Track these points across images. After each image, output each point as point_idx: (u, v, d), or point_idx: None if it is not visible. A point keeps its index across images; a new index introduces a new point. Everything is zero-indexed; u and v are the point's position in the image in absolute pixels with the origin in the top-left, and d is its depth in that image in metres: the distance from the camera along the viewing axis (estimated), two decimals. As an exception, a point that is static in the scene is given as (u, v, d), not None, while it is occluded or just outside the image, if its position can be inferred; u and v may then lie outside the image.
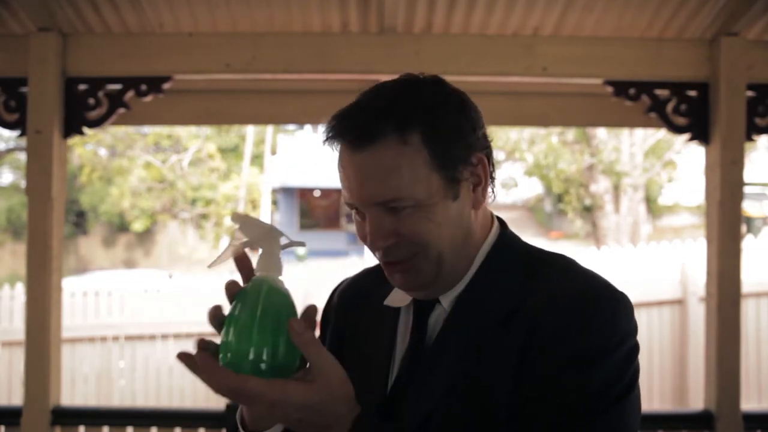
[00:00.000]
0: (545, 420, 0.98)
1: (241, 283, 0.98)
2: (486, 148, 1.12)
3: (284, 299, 0.95)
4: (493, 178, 1.13)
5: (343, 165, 1.07)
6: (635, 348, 1.06)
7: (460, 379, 1.03)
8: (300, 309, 0.96)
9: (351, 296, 1.28)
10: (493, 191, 1.15)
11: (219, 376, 0.89)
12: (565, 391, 0.98)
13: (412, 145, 1.04)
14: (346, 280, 1.33)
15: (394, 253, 1.07)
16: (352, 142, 1.04)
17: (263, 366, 0.90)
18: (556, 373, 0.99)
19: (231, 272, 1.04)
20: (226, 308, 0.97)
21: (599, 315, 1.02)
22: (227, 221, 21.07)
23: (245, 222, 0.97)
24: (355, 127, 1.04)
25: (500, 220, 1.18)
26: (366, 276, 1.30)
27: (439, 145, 1.05)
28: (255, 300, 0.93)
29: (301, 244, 1.01)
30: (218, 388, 0.90)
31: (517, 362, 1.01)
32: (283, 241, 0.98)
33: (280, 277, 0.97)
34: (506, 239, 1.15)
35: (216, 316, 0.96)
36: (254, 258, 0.99)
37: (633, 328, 1.06)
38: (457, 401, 1.03)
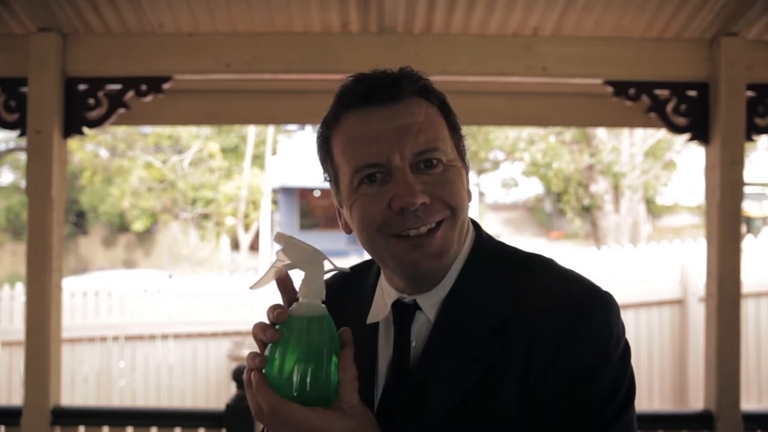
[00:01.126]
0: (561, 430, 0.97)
1: (281, 302, 0.99)
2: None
3: (329, 330, 0.96)
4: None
5: (366, 125, 1.04)
6: (628, 347, 1.06)
7: (460, 393, 1.01)
8: None
9: (330, 306, 1.24)
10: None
11: (267, 396, 0.93)
12: (576, 403, 0.98)
13: (435, 108, 1.08)
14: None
15: (427, 214, 1.02)
16: (378, 97, 1.04)
17: (306, 395, 0.93)
18: (565, 385, 0.98)
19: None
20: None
21: (594, 320, 1.01)
22: (228, 221, 21.09)
23: (288, 243, 0.96)
24: (382, 84, 1.05)
25: (474, 221, 1.17)
26: (340, 284, 1.22)
27: (450, 119, 1.10)
28: (302, 329, 0.93)
29: (345, 269, 1.01)
30: (259, 408, 0.94)
31: (520, 376, 1.00)
32: (327, 265, 0.97)
33: (322, 303, 0.97)
34: (482, 241, 1.14)
35: (254, 360, 0.96)
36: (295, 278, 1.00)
37: (623, 327, 1.05)
38: (464, 414, 1.01)
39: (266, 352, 0.95)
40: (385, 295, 1.14)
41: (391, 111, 1.04)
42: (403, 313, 1.10)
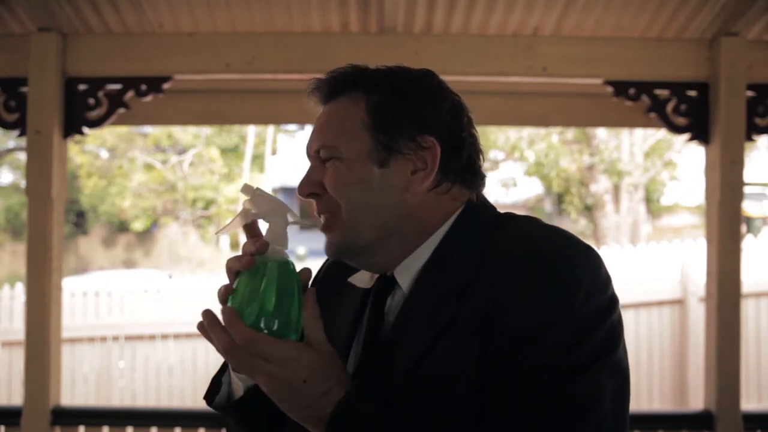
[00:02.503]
0: (507, 396, 0.94)
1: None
2: (449, 138, 1.08)
3: (295, 274, 1.01)
4: (456, 176, 1.09)
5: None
6: (608, 305, 0.97)
7: (420, 357, 1.00)
8: None
9: (332, 272, 1.26)
10: (469, 184, 1.11)
11: (237, 328, 0.95)
12: (525, 367, 0.93)
13: (356, 102, 1.09)
14: (329, 259, 1.30)
15: (319, 204, 1.11)
16: (319, 98, 1.14)
17: (272, 329, 0.97)
18: (512, 349, 0.94)
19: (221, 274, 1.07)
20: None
21: (555, 274, 0.95)
22: (228, 222, 21.05)
23: (255, 195, 1.01)
24: (322, 85, 1.13)
25: (470, 200, 1.12)
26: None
27: (381, 108, 1.08)
28: (263, 271, 0.98)
29: (308, 223, 1.08)
30: (230, 342, 0.96)
31: (480, 334, 0.96)
32: (291, 218, 1.02)
33: (286, 251, 1.02)
34: (471, 213, 1.10)
35: (227, 293, 1.02)
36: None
37: (601, 283, 0.98)
38: (418, 381, 0.99)
39: (235, 286, 1.00)
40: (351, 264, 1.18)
41: (321, 112, 1.14)
42: (382, 286, 1.13)
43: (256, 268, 0.99)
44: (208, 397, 1.19)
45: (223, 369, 1.19)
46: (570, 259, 0.98)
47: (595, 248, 1.02)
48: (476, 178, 1.12)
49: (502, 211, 1.14)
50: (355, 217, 1.08)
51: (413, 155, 1.07)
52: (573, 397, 0.92)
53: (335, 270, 1.25)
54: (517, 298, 0.95)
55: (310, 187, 1.11)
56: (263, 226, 1.03)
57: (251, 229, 1.04)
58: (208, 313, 1.00)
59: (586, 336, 0.94)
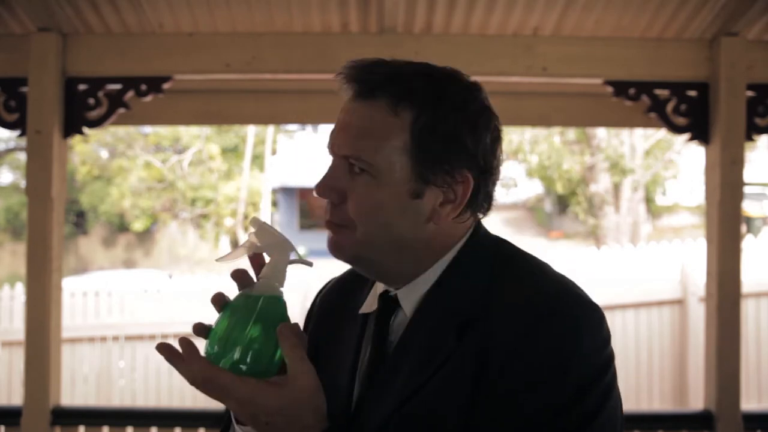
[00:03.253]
0: None
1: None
2: (487, 174, 1.05)
3: (280, 311, 0.98)
4: (477, 206, 1.06)
5: (342, 109, 1.06)
6: (606, 361, 0.97)
7: (414, 388, 0.98)
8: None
9: (330, 302, 1.24)
10: (479, 212, 1.08)
11: (196, 365, 0.92)
12: (520, 413, 0.92)
13: (399, 119, 1.01)
14: (330, 282, 1.29)
15: (332, 212, 1.05)
16: (354, 90, 1.04)
17: (243, 367, 0.94)
18: (510, 394, 0.93)
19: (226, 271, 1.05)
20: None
21: (559, 327, 0.94)
22: (227, 221, 21.08)
23: (262, 228, 1.00)
24: (360, 78, 1.03)
25: (478, 223, 1.11)
26: (349, 279, 1.24)
27: (426, 136, 1.00)
28: (254, 304, 0.96)
29: (309, 263, 1.03)
30: (193, 377, 0.92)
31: (473, 376, 0.95)
32: (293, 256, 1.01)
33: (281, 289, 1.00)
34: (477, 242, 1.08)
35: (219, 301, 0.99)
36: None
37: (602, 340, 0.98)
38: (408, 413, 0.98)
39: (213, 323, 0.98)
40: (376, 289, 1.13)
41: (353, 107, 1.04)
42: (386, 307, 1.09)
43: (245, 302, 0.97)
44: None
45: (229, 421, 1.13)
46: (571, 314, 0.97)
47: (599, 306, 1.00)
48: (490, 204, 1.09)
49: (497, 220, 1.13)
50: (372, 239, 1.03)
51: (446, 188, 1.02)
52: None
53: (334, 298, 1.23)
54: (519, 347, 0.94)
55: (331, 193, 1.03)
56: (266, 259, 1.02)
57: (255, 260, 1.03)
58: (165, 348, 0.95)
59: (581, 395, 0.93)
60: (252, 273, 1.03)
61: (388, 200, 1.01)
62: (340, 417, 1.05)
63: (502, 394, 0.93)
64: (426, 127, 1.00)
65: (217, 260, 1.07)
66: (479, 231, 1.09)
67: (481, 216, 1.10)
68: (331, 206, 1.04)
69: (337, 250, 1.06)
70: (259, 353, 0.95)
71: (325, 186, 1.04)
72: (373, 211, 1.01)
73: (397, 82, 1.02)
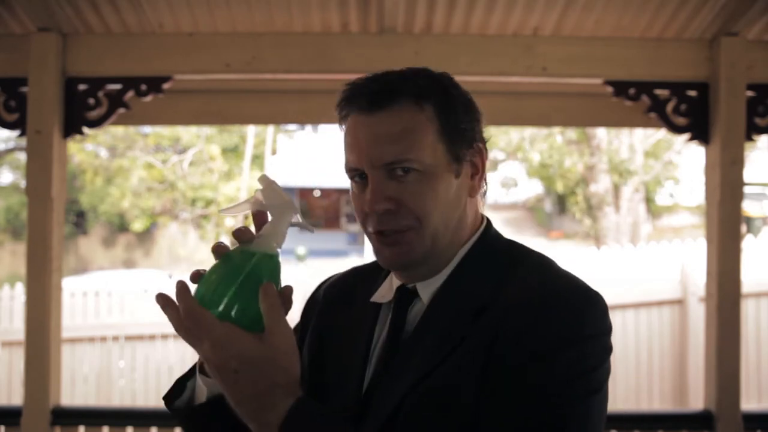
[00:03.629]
0: (506, 414, 0.97)
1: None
2: (484, 142, 1.17)
3: (272, 270, 0.99)
4: (485, 175, 1.17)
5: (354, 128, 1.10)
6: (607, 349, 1.04)
7: (429, 368, 1.03)
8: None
9: (336, 295, 1.28)
10: (486, 187, 1.19)
11: (184, 302, 0.93)
12: (526, 384, 0.98)
13: (425, 113, 1.09)
14: (332, 277, 1.33)
15: (390, 221, 1.08)
16: (371, 102, 1.08)
17: (229, 317, 0.94)
18: (517, 365, 0.98)
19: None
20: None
21: (567, 310, 1.01)
22: (228, 222, 21.07)
23: (269, 187, 1.00)
24: (372, 91, 1.09)
25: (487, 219, 1.20)
26: (353, 275, 1.30)
27: (450, 119, 1.10)
28: (247, 259, 0.97)
29: (311, 229, 1.06)
30: (178, 316, 0.94)
31: (484, 358, 1.00)
32: (295, 219, 1.01)
33: (278, 249, 1.00)
34: (489, 237, 1.17)
35: (218, 252, 0.99)
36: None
37: (605, 328, 1.04)
38: (421, 395, 1.02)
39: (206, 273, 0.99)
40: (393, 281, 1.18)
41: (374, 119, 1.08)
42: (404, 298, 1.15)
43: (239, 256, 0.98)
44: (168, 397, 1.15)
45: (191, 373, 1.15)
46: (577, 303, 1.03)
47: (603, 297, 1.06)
48: (486, 181, 1.19)
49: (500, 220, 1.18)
50: (438, 229, 1.09)
51: (470, 161, 1.13)
52: (564, 418, 0.97)
53: (339, 291, 1.27)
54: (527, 324, 1.00)
55: (387, 202, 1.08)
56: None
57: (257, 218, 1.04)
58: (163, 296, 0.97)
59: (583, 372, 1.00)
60: (253, 229, 1.04)
61: (443, 187, 1.09)
62: (352, 400, 1.10)
63: (510, 365, 0.98)
64: (447, 111, 1.10)
65: (220, 211, 1.09)
66: (491, 229, 1.19)
67: (484, 191, 1.19)
68: (388, 216, 1.08)
69: (403, 255, 1.10)
70: (245, 308, 0.95)
71: (379, 198, 1.07)
72: (435, 202, 1.08)
73: (409, 83, 1.10)
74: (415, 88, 1.09)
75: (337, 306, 1.25)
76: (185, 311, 0.93)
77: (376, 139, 1.07)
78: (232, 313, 0.94)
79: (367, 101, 1.08)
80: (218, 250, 0.99)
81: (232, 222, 21.23)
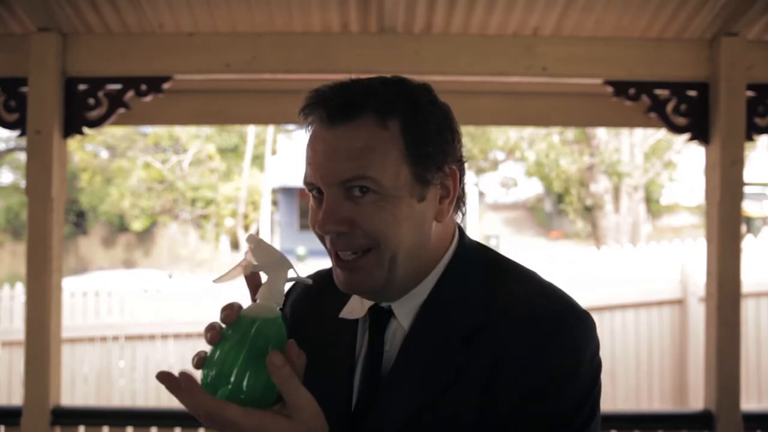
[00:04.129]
0: None
1: (243, 304, 0.97)
2: (461, 163, 1.09)
3: (276, 333, 0.94)
4: (462, 196, 1.10)
5: (314, 141, 1.03)
6: (598, 368, 1.04)
7: (425, 400, 1.01)
8: None
9: (303, 307, 1.23)
10: (461, 209, 1.12)
11: (199, 399, 0.88)
12: (531, 419, 0.97)
13: (389, 131, 1.01)
14: (290, 295, 1.28)
15: (344, 242, 1.03)
16: (330, 115, 1.01)
17: (242, 396, 0.90)
18: (521, 401, 0.97)
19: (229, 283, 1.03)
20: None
21: (564, 339, 0.99)
22: (227, 222, 21.06)
23: (258, 246, 0.96)
24: (335, 101, 1.01)
25: (460, 228, 1.14)
26: (318, 282, 1.19)
27: (417, 140, 1.02)
28: (248, 328, 0.92)
29: (308, 281, 1.00)
30: (196, 411, 0.89)
31: (484, 385, 0.98)
32: (291, 274, 0.97)
33: (278, 308, 0.96)
34: (464, 249, 1.11)
35: (212, 331, 0.93)
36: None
37: (595, 348, 1.03)
38: (422, 425, 1.00)
39: (208, 353, 0.94)
40: (363, 298, 1.12)
41: (334, 133, 1.01)
42: (378, 318, 1.10)
43: (236, 324, 0.93)
44: None
45: None
46: (573, 327, 1.01)
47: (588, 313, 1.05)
48: (465, 196, 1.13)
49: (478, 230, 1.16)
50: (396, 254, 1.03)
51: (439, 184, 1.06)
52: None
53: (305, 304, 1.22)
54: (528, 359, 0.98)
55: (338, 225, 1.01)
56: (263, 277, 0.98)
57: (251, 279, 0.99)
58: (167, 378, 0.90)
59: (586, 399, 1.00)
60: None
61: (403, 213, 1.02)
62: (340, 425, 1.06)
63: (511, 403, 0.97)
64: (415, 131, 1.02)
65: (214, 281, 1.04)
66: (464, 238, 1.13)
67: (461, 213, 1.12)
68: (342, 238, 1.03)
69: (360, 283, 1.04)
70: (256, 380, 0.91)
71: (329, 221, 1.01)
72: (393, 227, 1.02)
73: (375, 96, 1.02)
74: (380, 102, 1.01)
75: (306, 319, 1.19)
76: (205, 413, 0.88)
77: (334, 155, 1.00)
78: (244, 386, 0.90)
79: (327, 114, 1.01)
80: (212, 329, 0.93)
81: (232, 222, 21.22)
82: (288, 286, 0.98)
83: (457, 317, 1.04)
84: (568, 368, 0.98)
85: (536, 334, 0.99)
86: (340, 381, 1.09)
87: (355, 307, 1.13)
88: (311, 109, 1.04)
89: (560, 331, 1.00)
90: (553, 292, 1.05)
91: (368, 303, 1.11)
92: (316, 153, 1.03)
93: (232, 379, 0.90)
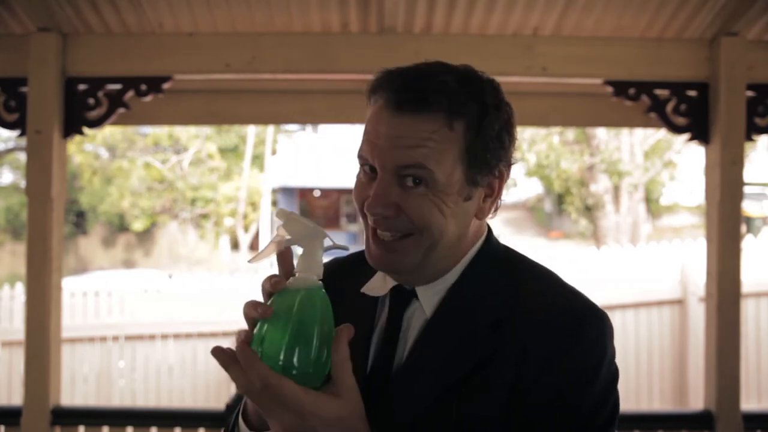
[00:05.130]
0: None
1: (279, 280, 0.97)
2: (509, 166, 1.13)
3: (321, 304, 0.94)
4: (501, 196, 1.14)
5: (377, 121, 1.05)
6: (617, 371, 1.06)
7: (451, 383, 1.02)
8: None
9: (331, 284, 1.23)
10: (497, 206, 1.15)
11: (259, 370, 0.89)
12: (560, 414, 0.99)
13: (454, 131, 1.04)
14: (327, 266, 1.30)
15: (387, 225, 1.05)
16: (400, 103, 1.03)
17: (294, 372, 0.90)
18: (552, 395, 0.99)
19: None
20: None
21: (590, 337, 1.02)
22: (227, 221, 21.06)
23: (289, 219, 0.96)
24: (407, 95, 1.03)
25: (489, 227, 1.18)
26: (337, 268, 1.24)
27: (477, 146, 1.05)
28: (291, 302, 0.92)
29: (345, 248, 1.02)
30: (250, 384, 0.89)
31: (513, 374, 1.00)
32: (327, 242, 0.97)
33: (319, 280, 0.96)
34: (491, 245, 1.15)
35: (247, 337, 0.93)
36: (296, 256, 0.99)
37: (614, 350, 1.06)
38: (452, 403, 1.01)
39: (255, 329, 0.93)
40: (386, 276, 1.14)
41: (401, 120, 1.03)
42: (400, 298, 1.12)
43: (280, 298, 0.93)
44: None
45: (236, 414, 1.12)
46: (595, 326, 1.04)
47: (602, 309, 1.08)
48: (501, 200, 1.15)
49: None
50: (435, 244, 1.06)
51: (487, 185, 1.10)
52: None
53: (334, 281, 1.21)
54: (554, 358, 1.00)
55: (386, 208, 1.04)
56: (297, 252, 0.98)
57: (283, 258, 0.99)
58: (222, 352, 0.92)
59: (609, 395, 1.03)
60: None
61: (447, 207, 1.05)
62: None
63: (533, 401, 0.99)
64: (477, 137, 1.05)
65: (249, 261, 1.04)
66: (491, 236, 1.16)
67: (496, 209, 1.15)
68: (385, 220, 1.05)
69: (393, 262, 1.07)
70: (306, 356, 0.90)
71: (380, 202, 1.04)
72: (436, 218, 1.04)
73: (447, 97, 1.03)
74: (451, 103, 1.03)
75: (335, 296, 1.20)
76: (262, 384, 0.89)
77: (397, 140, 1.03)
78: (295, 362, 0.90)
79: (396, 101, 1.03)
80: (257, 306, 0.94)
81: (232, 222, 21.21)
82: (325, 257, 0.98)
83: (482, 306, 1.06)
84: (591, 366, 1.01)
85: (559, 333, 1.01)
86: (357, 354, 1.09)
87: (378, 285, 1.15)
88: (382, 90, 1.06)
89: (584, 330, 1.02)
90: (574, 293, 1.08)
91: (391, 282, 1.13)
92: (378, 134, 1.05)
93: (282, 355, 0.90)
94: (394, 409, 1.04)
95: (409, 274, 1.09)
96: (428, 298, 1.10)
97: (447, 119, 1.03)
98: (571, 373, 0.99)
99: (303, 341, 0.91)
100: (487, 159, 1.07)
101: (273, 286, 0.94)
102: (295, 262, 0.98)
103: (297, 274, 0.95)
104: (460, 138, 1.04)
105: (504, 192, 1.14)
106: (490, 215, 1.13)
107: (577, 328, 1.02)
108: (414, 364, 1.06)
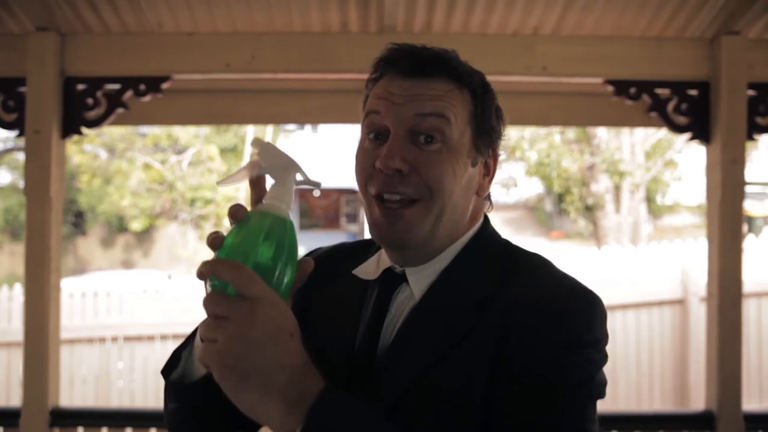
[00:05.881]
0: (514, 409, 0.96)
1: (249, 208, 0.95)
2: (498, 155, 1.17)
3: (290, 233, 0.92)
4: (493, 179, 1.17)
5: (389, 86, 1.07)
6: (605, 354, 1.04)
7: (432, 363, 1.01)
8: None
9: (322, 269, 1.20)
10: (490, 200, 1.19)
11: (257, 285, 0.84)
12: (530, 392, 0.97)
13: (463, 95, 1.09)
14: (319, 250, 1.28)
15: (398, 184, 1.04)
16: (411, 69, 1.06)
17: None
18: (527, 369, 0.97)
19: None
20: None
21: (576, 312, 1.01)
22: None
23: (264, 149, 0.94)
24: (419, 58, 1.07)
25: (485, 216, 1.19)
26: (339, 251, 1.26)
27: (482, 113, 1.11)
28: (262, 220, 0.90)
29: (317, 184, 0.97)
30: (236, 274, 0.84)
31: (494, 352, 0.99)
32: (299, 177, 0.95)
33: (288, 211, 0.94)
34: (486, 233, 1.16)
35: (216, 242, 0.91)
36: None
37: (605, 334, 1.04)
38: (433, 380, 1.00)
39: (226, 237, 0.91)
40: (380, 260, 1.15)
41: (413, 83, 1.06)
42: (390, 280, 1.12)
43: (252, 220, 0.90)
44: (166, 371, 1.12)
45: (185, 343, 1.10)
46: (581, 307, 1.02)
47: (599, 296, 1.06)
48: (491, 198, 1.20)
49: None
50: (444, 209, 1.06)
51: (485, 161, 1.13)
52: (574, 417, 0.97)
53: (330, 263, 1.22)
54: (536, 335, 0.98)
55: (401, 162, 1.03)
56: (269, 183, 0.96)
57: (257, 184, 0.97)
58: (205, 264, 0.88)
59: (591, 372, 1.00)
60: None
61: (460, 169, 1.07)
62: (340, 371, 1.07)
63: (520, 370, 0.97)
64: (482, 105, 1.11)
65: (218, 183, 1.02)
66: (488, 223, 1.18)
67: (490, 204, 1.19)
68: (396, 179, 1.04)
69: (401, 232, 1.05)
70: (270, 271, 0.88)
71: (394, 157, 1.03)
72: (450, 178, 1.06)
73: (455, 66, 1.09)
74: (459, 72, 1.09)
75: (323, 280, 1.17)
76: (256, 300, 0.83)
77: (415, 96, 1.05)
78: (274, 283, 0.88)
79: (409, 65, 1.06)
80: (236, 212, 0.91)
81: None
82: (295, 190, 0.95)
83: (469, 288, 1.06)
84: (574, 338, 0.99)
85: (546, 308, 1.00)
86: (344, 341, 1.11)
87: (370, 269, 1.16)
88: (391, 61, 1.09)
89: (570, 305, 1.01)
90: (568, 277, 1.07)
91: (383, 266, 1.13)
92: (391, 93, 1.06)
93: (249, 265, 0.86)
94: (378, 387, 1.03)
95: (414, 247, 1.07)
96: (419, 281, 1.09)
97: (457, 83, 1.08)
98: (551, 349, 0.97)
99: (268, 260, 0.88)
100: (489, 130, 1.12)
101: (233, 214, 0.90)
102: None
103: (267, 201, 0.93)
104: (469, 102, 1.09)
105: (497, 171, 1.17)
106: (486, 194, 1.16)
107: (562, 307, 1.00)
108: (399, 344, 1.05)
